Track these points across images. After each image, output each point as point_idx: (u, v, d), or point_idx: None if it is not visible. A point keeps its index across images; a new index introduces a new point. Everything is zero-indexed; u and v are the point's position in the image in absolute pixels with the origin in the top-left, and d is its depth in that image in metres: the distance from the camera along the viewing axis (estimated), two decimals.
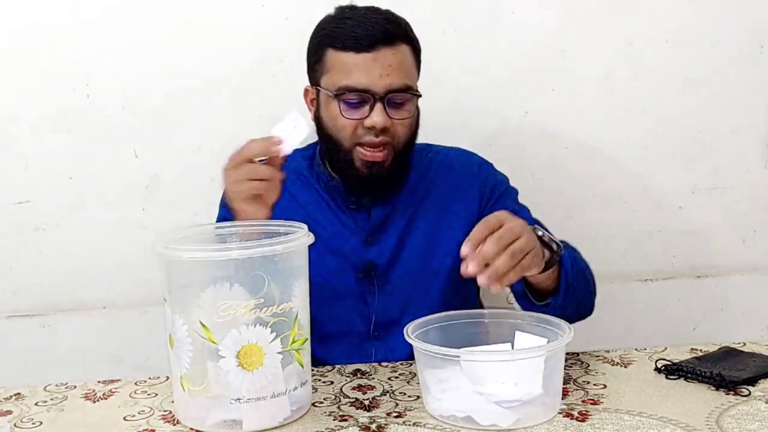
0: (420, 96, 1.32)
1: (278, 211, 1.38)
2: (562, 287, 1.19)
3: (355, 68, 1.25)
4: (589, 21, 1.77)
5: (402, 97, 1.28)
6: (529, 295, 1.22)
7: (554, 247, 1.16)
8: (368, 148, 1.27)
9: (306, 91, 1.38)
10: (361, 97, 1.26)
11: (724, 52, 1.80)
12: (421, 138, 1.50)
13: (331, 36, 1.28)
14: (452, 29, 1.74)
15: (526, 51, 1.77)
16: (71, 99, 1.70)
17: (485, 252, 1.03)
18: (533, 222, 1.37)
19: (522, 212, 1.38)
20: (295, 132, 1.16)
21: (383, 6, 1.33)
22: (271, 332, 0.97)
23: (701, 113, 1.83)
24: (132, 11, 1.68)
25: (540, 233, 1.14)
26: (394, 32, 1.27)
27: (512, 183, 1.47)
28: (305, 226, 1.06)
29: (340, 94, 1.26)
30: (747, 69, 1.82)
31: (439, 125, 1.73)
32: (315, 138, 1.36)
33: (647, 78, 1.80)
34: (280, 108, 1.64)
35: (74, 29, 1.68)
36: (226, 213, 1.39)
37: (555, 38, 1.77)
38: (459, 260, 1.37)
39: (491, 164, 1.47)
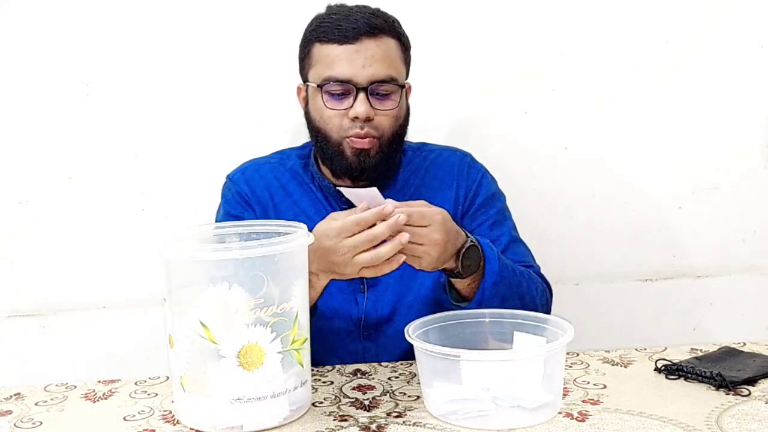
0: (403, 87, 1.32)
1: (274, 208, 1.38)
2: (476, 298, 1.20)
3: (338, 59, 1.27)
4: (589, 21, 1.78)
5: (386, 88, 1.28)
6: (446, 291, 1.24)
7: (467, 263, 1.17)
8: (355, 139, 1.28)
9: (298, 89, 1.39)
10: (344, 88, 1.27)
11: (724, 51, 1.81)
12: (421, 137, 1.50)
13: (317, 30, 1.30)
14: (452, 29, 1.74)
15: (526, 51, 1.77)
16: (71, 99, 1.70)
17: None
18: (512, 238, 1.37)
19: (504, 224, 1.39)
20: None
21: (386, 5, 1.34)
22: (271, 332, 0.97)
23: (701, 113, 1.83)
24: (132, 11, 1.69)
25: (468, 245, 1.16)
26: (378, 25, 1.28)
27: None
28: (305, 226, 1.06)
29: (323, 84, 1.28)
30: (747, 69, 1.82)
31: (438, 125, 1.74)
32: None
33: (647, 78, 1.80)
34: (280, 108, 1.66)
35: (74, 29, 1.68)
36: (229, 208, 1.39)
37: (555, 38, 1.77)
38: None
39: (484, 170, 1.45)
